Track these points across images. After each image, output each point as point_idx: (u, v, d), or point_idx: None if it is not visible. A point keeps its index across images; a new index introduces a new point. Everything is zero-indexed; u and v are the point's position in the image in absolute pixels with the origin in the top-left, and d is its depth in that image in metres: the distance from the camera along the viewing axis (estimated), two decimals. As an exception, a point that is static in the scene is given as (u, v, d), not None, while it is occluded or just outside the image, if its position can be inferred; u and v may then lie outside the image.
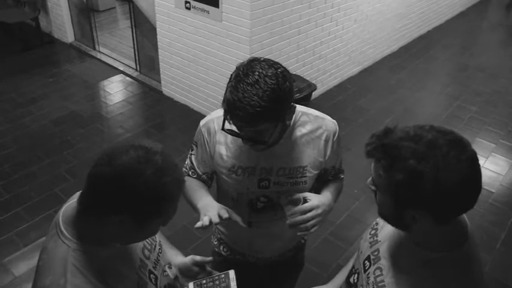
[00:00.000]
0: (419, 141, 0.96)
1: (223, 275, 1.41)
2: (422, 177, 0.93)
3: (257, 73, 1.22)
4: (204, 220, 1.37)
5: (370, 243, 1.29)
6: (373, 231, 1.32)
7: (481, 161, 4.05)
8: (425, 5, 6.47)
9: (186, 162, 1.64)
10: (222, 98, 1.29)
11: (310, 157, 1.50)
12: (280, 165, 1.48)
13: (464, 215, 1.12)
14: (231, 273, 1.41)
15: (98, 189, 1.00)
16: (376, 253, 1.24)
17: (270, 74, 1.23)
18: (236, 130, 1.34)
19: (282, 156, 1.47)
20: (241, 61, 1.31)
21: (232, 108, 1.23)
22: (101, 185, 0.99)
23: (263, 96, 1.20)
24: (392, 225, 1.13)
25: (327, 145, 1.51)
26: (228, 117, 1.28)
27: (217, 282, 1.39)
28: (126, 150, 1.00)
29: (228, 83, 1.28)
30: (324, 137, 1.50)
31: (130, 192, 0.97)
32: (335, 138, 1.53)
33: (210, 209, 1.44)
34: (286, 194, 1.47)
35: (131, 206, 0.99)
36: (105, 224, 1.04)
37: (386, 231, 1.25)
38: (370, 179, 1.10)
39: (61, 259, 1.03)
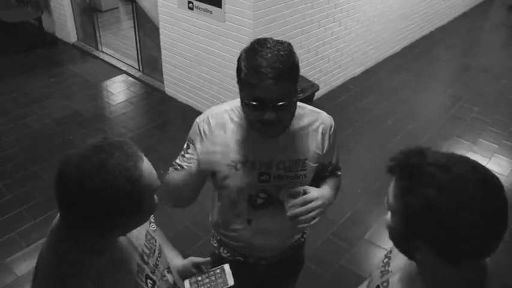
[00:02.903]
0: (447, 172, 0.88)
1: (218, 270, 1.41)
2: (438, 211, 0.86)
3: (268, 44, 1.32)
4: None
5: (381, 272, 1.22)
6: (386, 260, 1.25)
7: (484, 162, 4.07)
8: (428, 5, 6.46)
9: (178, 159, 1.56)
10: (237, 76, 1.36)
11: (308, 150, 1.52)
12: (280, 158, 1.49)
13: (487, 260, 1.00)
14: (226, 267, 1.41)
15: (77, 212, 0.98)
16: (385, 284, 1.18)
17: (280, 43, 1.34)
18: (252, 119, 1.38)
19: (281, 149, 1.49)
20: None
21: (257, 69, 1.27)
22: (78, 212, 0.98)
23: (283, 55, 1.30)
24: (400, 251, 1.07)
25: (324, 138, 1.54)
26: (252, 84, 1.29)
27: (213, 278, 1.40)
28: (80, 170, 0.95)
29: (240, 62, 1.34)
30: (321, 130, 1.53)
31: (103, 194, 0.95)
32: (331, 131, 1.56)
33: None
34: (285, 188, 1.48)
35: (110, 207, 0.97)
36: (98, 237, 1.05)
37: (399, 262, 1.17)
38: (386, 198, 1.03)
39: (56, 267, 1.05)
